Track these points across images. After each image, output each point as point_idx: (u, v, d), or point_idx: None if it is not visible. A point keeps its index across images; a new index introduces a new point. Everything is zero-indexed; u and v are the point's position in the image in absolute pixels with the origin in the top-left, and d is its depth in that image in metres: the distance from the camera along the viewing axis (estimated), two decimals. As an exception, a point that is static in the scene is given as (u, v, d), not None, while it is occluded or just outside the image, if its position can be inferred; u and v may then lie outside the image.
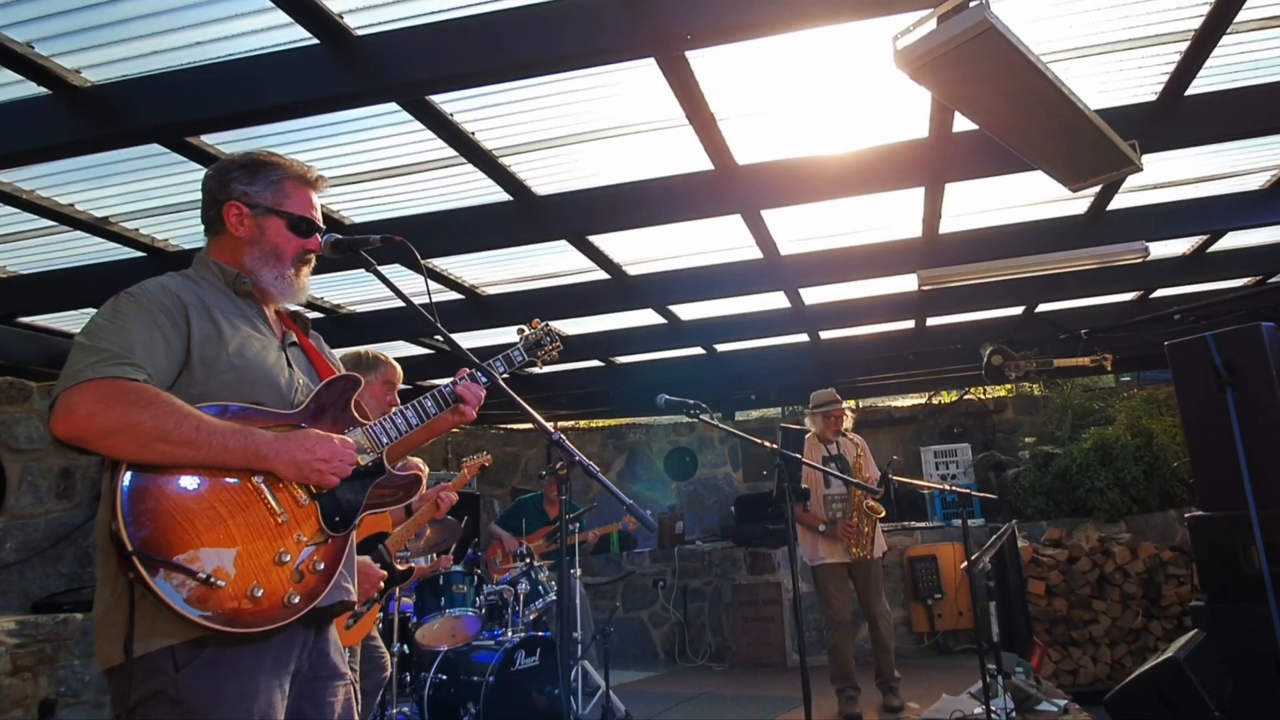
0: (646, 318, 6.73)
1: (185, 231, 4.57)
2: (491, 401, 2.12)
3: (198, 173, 3.48)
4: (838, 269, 5.66)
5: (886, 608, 5.19)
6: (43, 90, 3.20)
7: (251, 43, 3.08)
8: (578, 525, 5.51)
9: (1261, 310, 4.29)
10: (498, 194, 4.36)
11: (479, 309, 6.01)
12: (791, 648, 7.32)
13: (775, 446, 3.65)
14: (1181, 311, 4.35)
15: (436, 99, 3.43)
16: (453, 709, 4.37)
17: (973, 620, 5.81)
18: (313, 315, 4.11)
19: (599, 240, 5.05)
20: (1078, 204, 5.01)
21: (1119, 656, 6.23)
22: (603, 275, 5.65)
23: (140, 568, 1.47)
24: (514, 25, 2.98)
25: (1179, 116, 3.86)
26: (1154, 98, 3.87)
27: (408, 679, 4.33)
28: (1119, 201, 4.95)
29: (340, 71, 3.09)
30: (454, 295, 5.82)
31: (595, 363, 8.21)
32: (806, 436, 5.15)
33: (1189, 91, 3.78)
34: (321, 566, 1.68)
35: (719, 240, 5.24)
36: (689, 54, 3.20)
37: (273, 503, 1.65)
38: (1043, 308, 7.06)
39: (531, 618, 4.88)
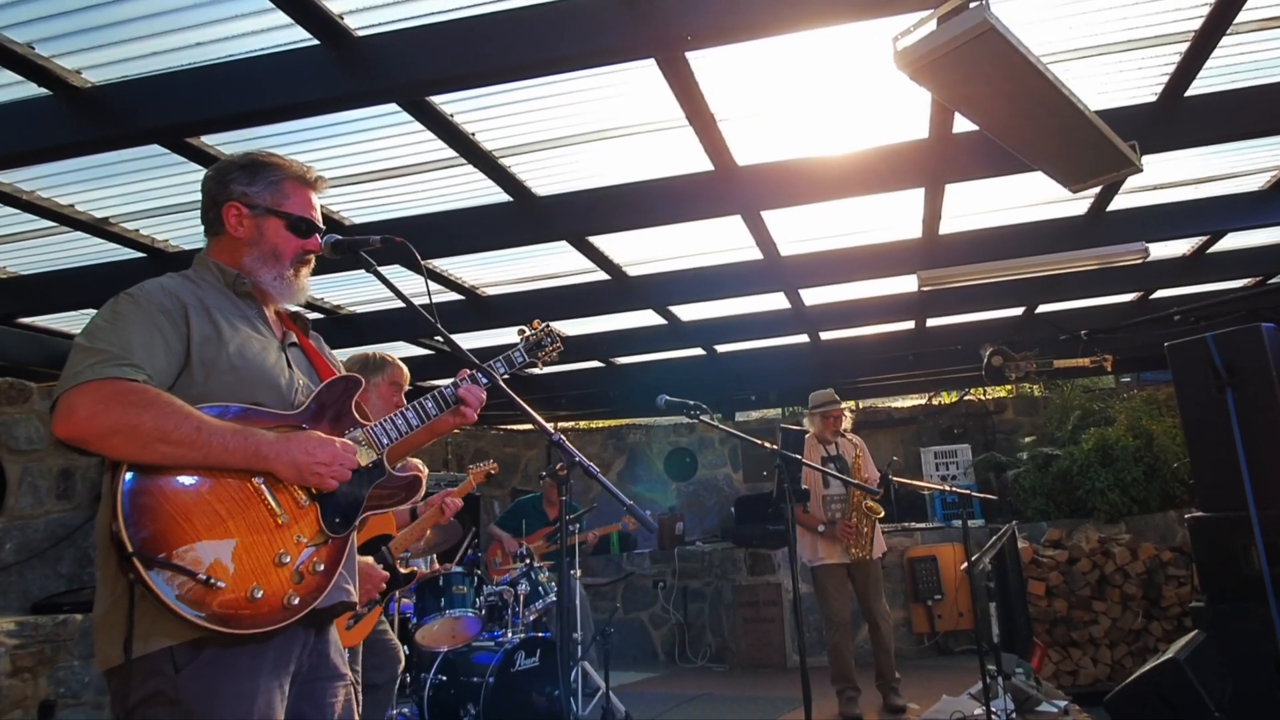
0: (647, 318, 6.73)
1: (185, 232, 4.57)
2: (492, 402, 2.12)
3: (198, 173, 3.48)
4: (838, 270, 5.66)
5: (886, 608, 5.18)
6: (43, 91, 3.20)
7: (252, 43, 3.08)
8: (578, 526, 5.51)
9: (1261, 311, 4.28)
10: (498, 195, 4.36)
11: (479, 310, 6.01)
12: (792, 648, 7.32)
13: (775, 447, 3.65)
14: (1182, 312, 4.35)
15: (437, 100, 3.44)
16: (452, 710, 4.37)
17: (973, 621, 5.81)
18: (313, 316, 4.11)
19: (599, 241, 5.05)
20: (1078, 205, 5.02)
21: (1119, 657, 6.23)
22: (603, 276, 5.65)
23: (140, 568, 1.47)
24: (514, 26, 2.98)
25: (1179, 117, 3.86)
26: (1154, 99, 3.87)
27: (408, 680, 4.33)
28: (1119, 202, 4.95)
29: (340, 72, 3.09)
30: (454, 296, 5.82)
31: (595, 363, 8.21)
32: (806, 437, 5.15)
33: (1189, 92, 3.78)
34: (321, 567, 1.68)
35: (719, 241, 5.24)
36: (689, 55, 3.21)
37: (273, 503, 1.65)
38: (1043, 308, 7.06)
39: (531, 619, 4.88)
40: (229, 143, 3.61)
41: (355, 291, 5.73)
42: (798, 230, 5.14)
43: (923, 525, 7.91)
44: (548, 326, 2.36)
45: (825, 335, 7.74)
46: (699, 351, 8.11)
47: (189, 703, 1.53)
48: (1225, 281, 6.65)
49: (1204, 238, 5.70)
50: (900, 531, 7.59)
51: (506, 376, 2.14)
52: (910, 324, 7.41)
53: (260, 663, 1.60)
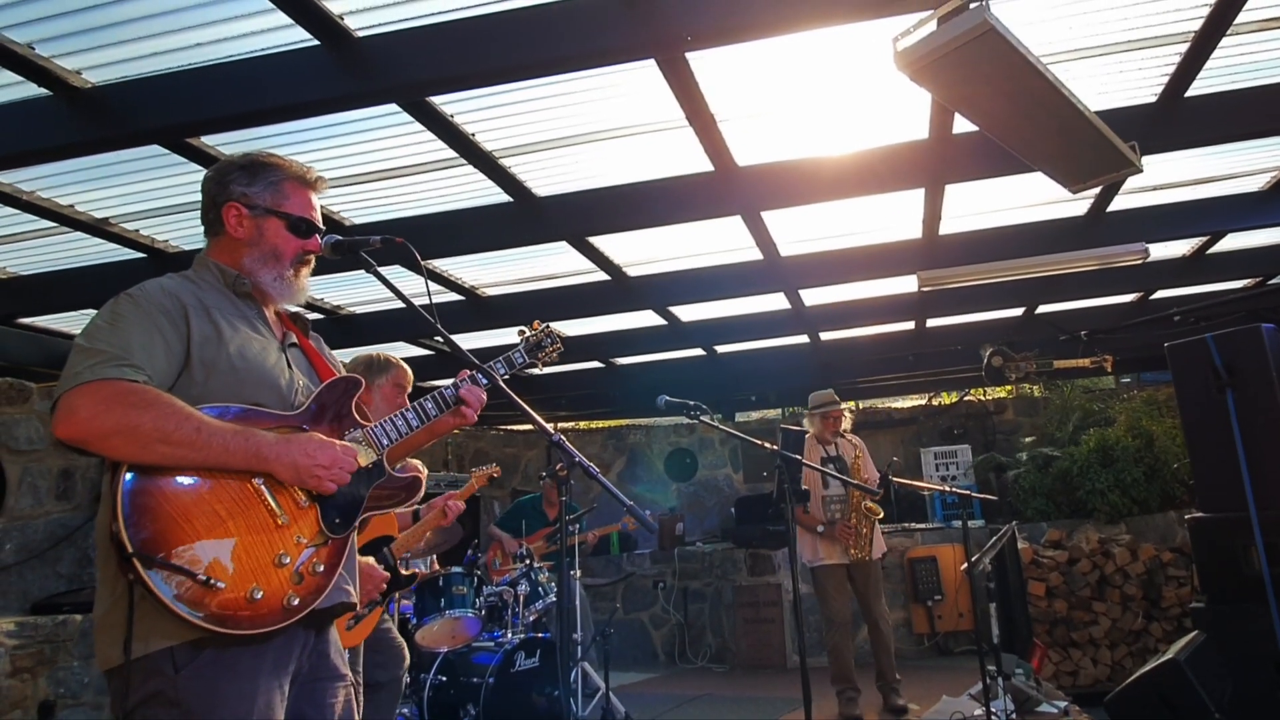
0: (647, 319, 6.73)
1: (185, 233, 4.57)
2: (492, 402, 2.12)
3: (198, 174, 3.47)
4: (838, 270, 5.66)
5: (885, 609, 5.18)
6: (43, 91, 3.20)
7: (252, 44, 3.08)
8: (578, 526, 5.51)
9: (1261, 312, 4.27)
10: (498, 195, 4.36)
11: (479, 310, 6.01)
12: (792, 649, 7.32)
13: (775, 448, 3.66)
14: (1181, 313, 4.35)
15: (437, 100, 3.44)
16: (452, 710, 4.37)
17: (973, 622, 5.81)
18: (313, 316, 4.11)
19: (599, 241, 5.05)
20: (1078, 205, 5.02)
21: (1119, 658, 6.23)
22: (603, 276, 5.65)
23: (140, 569, 1.47)
24: (514, 26, 2.98)
25: (1179, 118, 3.86)
26: (1154, 99, 3.87)
27: (407, 680, 4.32)
28: (1119, 203, 4.95)
29: (341, 73, 3.09)
30: (454, 296, 5.82)
31: (596, 364, 8.21)
32: (806, 437, 5.15)
33: (1189, 93, 3.78)
34: (321, 568, 1.68)
35: (719, 241, 5.24)
36: (689, 55, 3.21)
37: (273, 504, 1.65)
38: (1043, 309, 7.06)
39: (531, 619, 4.88)
40: (229, 143, 3.61)
41: (355, 292, 5.73)
42: (798, 230, 5.14)
43: (923, 526, 7.91)
44: (548, 327, 2.36)
45: (825, 336, 7.74)
46: (699, 352, 8.11)
47: (189, 703, 1.53)
48: (1225, 282, 6.65)
49: (1204, 238, 5.70)
50: (900, 532, 7.59)
51: (506, 377, 2.14)
52: (910, 324, 7.41)
53: (260, 663, 1.60)
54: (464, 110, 3.56)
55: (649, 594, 8.19)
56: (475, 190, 4.33)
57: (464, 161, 3.93)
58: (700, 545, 8.56)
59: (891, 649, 5.14)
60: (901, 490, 4.96)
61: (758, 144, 4.08)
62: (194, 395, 1.64)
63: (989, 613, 4.51)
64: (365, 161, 3.95)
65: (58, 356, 5.71)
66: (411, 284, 2.14)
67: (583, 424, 10.94)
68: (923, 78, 2.46)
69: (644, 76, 3.41)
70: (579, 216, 4.51)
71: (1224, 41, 3.39)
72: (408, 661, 3.61)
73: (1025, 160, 3.07)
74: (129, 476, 1.53)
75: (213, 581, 1.52)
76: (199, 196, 1.91)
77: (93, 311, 1.74)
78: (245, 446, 1.61)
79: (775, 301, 6.47)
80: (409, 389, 3.16)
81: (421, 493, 1.95)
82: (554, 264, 5.47)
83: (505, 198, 4.38)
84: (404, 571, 3.36)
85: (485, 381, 2.05)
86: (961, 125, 3.86)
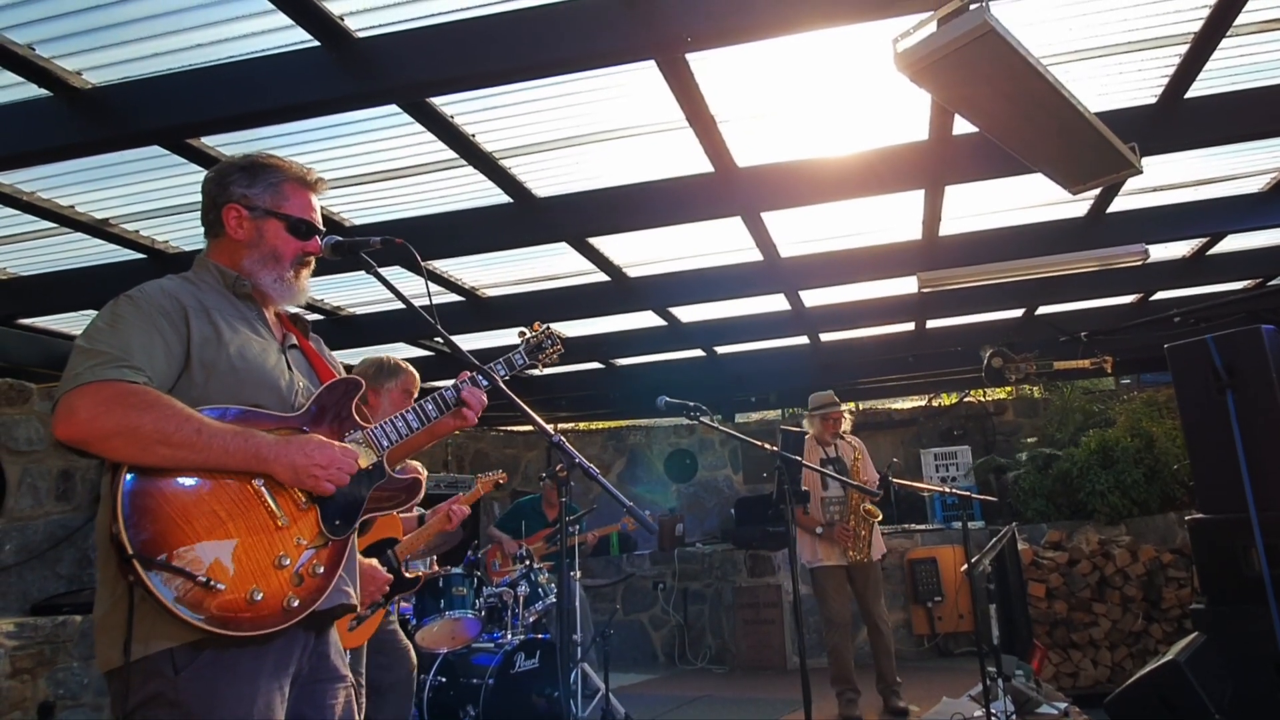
0: (647, 320, 6.73)
1: (185, 233, 4.57)
2: (492, 403, 2.12)
3: (198, 175, 3.48)
4: (838, 271, 5.66)
5: (885, 611, 5.18)
6: (44, 92, 3.20)
7: (252, 45, 3.08)
8: (577, 527, 5.51)
9: (1261, 313, 4.27)
10: (498, 196, 4.37)
11: (479, 311, 6.01)
12: (792, 650, 7.31)
13: (775, 449, 3.65)
14: (1181, 314, 4.34)
15: (437, 101, 3.44)
16: (452, 711, 4.37)
17: (973, 623, 5.80)
18: (313, 317, 4.12)
19: (599, 242, 5.05)
20: (1077, 206, 5.02)
21: (1119, 659, 6.22)
22: (603, 277, 5.65)
23: (140, 570, 1.47)
24: (514, 27, 2.98)
25: (1179, 119, 3.87)
26: (1154, 100, 3.87)
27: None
28: (1119, 204, 4.95)
29: (341, 74, 3.09)
30: (454, 297, 5.83)
31: (596, 365, 8.21)
32: (806, 439, 5.15)
33: (1189, 94, 3.78)
34: (321, 570, 1.68)
35: (719, 242, 5.25)
36: (689, 56, 3.21)
37: (273, 505, 1.64)
38: (1043, 310, 7.06)
39: (531, 620, 4.88)
40: (229, 144, 3.62)
41: (356, 293, 5.73)
42: (798, 231, 5.15)
43: (923, 527, 7.90)
44: (548, 329, 2.36)
45: (825, 337, 7.74)
46: (699, 353, 8.11)
47: (189, 704, 1.53)
48: (1225, 283, 6.65)
49: (1204, 239, 5.70)
50: (900, 533, 7.59)
51: (507, 378, 2.14)
52: (910, 325, 7.41)
53: (260, 665, 1.60)
54: (464, 111, 3.56)
55: (649, 595, 8.19)
56: (475, 191, 4.33)
57: (464, 162, 3.93)
58: (700, 546, 8.56)
59: (891, 651, 5.13)
60: (901, 491, 4.96)
61: (758, 145, 4.08)
62: (194, 397, 1.64)
63: (989, 614, 4.51)
64: (365, 162, 3.95)
65: (58, 357, 5.71)
66: (412, 285, 2.14)
67: (582, 425, 10.94)
68: (923, 79, 2.47)
69: (644, 77, 3.41)
70: (579, 217, 4.52)
71: (1224, 43, 3.39)
72: (414, 663, 3.61)
73: (1025, 161, 3.07)
74: (129, 478, 1.53)
75: (213, 583, 1.52)
76: (199, 197, 1.90)
77: (93, 312, 1.74)
78: (245, 447, 1.61)
79: (775, 302, 6.48)
80: (416, 394, 3.15)
81: (422, 494, 1.95)
82: (554, 265, 5.47)
83: (505, 198, 4.39)
84: (406, 574, 3.37)
85: (485, 383, 2.05)
86: (961, 126, 3.86)
